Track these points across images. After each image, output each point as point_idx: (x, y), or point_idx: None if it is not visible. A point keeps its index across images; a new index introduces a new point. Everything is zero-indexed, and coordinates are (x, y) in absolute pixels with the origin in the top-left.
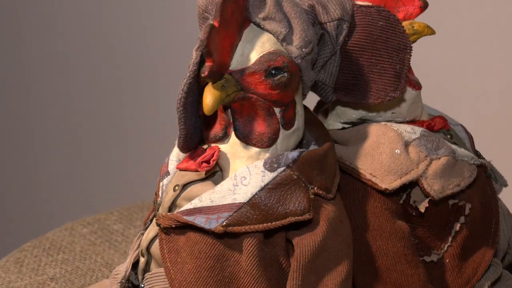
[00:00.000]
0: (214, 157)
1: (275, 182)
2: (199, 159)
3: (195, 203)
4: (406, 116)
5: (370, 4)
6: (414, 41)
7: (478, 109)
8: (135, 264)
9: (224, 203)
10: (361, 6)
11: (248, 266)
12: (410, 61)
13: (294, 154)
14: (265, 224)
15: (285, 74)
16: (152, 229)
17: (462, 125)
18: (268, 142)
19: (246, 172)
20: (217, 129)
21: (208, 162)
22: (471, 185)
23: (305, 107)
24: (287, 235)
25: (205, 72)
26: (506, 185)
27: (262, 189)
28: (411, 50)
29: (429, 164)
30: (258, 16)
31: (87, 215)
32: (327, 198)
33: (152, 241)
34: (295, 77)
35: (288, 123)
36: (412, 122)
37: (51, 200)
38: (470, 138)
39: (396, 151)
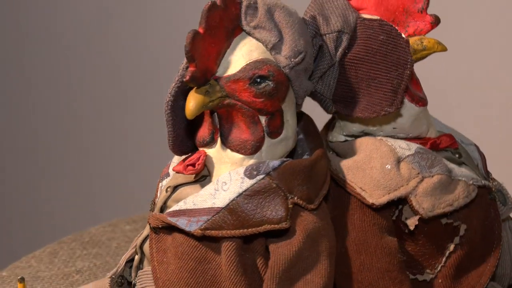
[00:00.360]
0: (200, 161)
1: (253, 189)
2: (186, 162)
3: (180, 205)
4: (409, 132)
5: (375, 17)
6: (423, 57)
7: (482, 123)
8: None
9: (205, 206)
10: (364, 19)
11: (227, 271)
12: (409, 76)
13: (276, 162)
14: (241, 230)
15: (270, 83)
16: (147, 228)
17: (475, 145)
18: (252, 149)
19: (228, 177)
20: (205, 134)
21: (193, 165)
22: (468, 205)
23: (307, 117)
24: (267, 243)
25: (186, 77)
26: None
27: (239, 195)
28: (412, 66)
29: (420, 181)
30: (249, 25)
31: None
32: (308, 208)
33: (145, 239)
34: (282, 87)
35: (274, 132)
36: (417, 138)
37: (107, 199)
38: (483, 158)
39: (387, 166)
